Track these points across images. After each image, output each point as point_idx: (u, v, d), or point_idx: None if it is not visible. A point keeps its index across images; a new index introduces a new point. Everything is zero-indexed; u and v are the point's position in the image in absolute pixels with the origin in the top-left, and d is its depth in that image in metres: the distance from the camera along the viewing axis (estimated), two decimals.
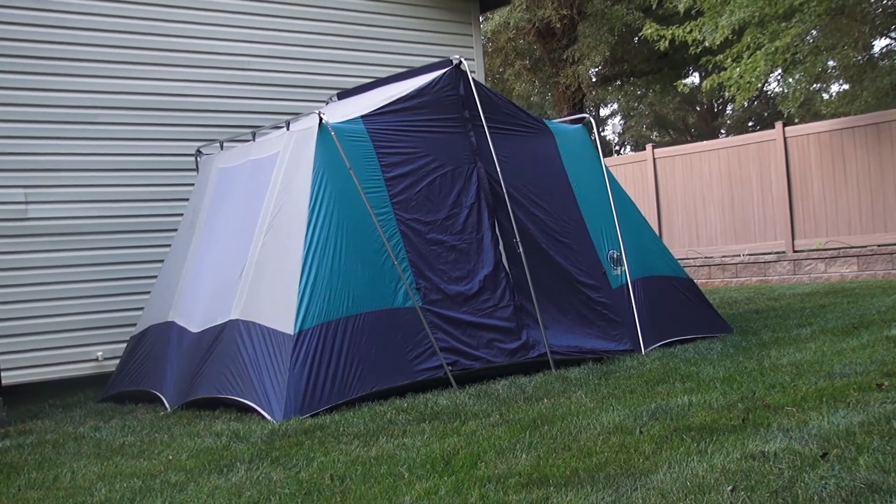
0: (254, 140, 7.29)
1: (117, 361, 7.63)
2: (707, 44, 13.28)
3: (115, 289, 8.04)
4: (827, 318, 8.04)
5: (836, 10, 12.61)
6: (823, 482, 3.15)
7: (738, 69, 13.10)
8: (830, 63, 15.90)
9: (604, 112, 36.44)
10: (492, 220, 6.72)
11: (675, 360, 6.38)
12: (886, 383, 4.69)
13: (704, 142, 15.90)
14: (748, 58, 13.05)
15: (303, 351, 5.63)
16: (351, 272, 6.00)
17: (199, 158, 8.02)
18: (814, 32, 14.04)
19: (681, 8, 13.98)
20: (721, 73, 13.57)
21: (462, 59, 6.85)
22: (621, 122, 37.09)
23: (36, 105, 7.78)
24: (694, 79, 27.52)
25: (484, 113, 6.78)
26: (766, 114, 31.31)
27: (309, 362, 5.61)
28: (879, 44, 19.01)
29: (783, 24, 12.70)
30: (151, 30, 8.36)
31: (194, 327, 6.70)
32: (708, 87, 14.33)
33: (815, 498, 3.05)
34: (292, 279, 5.88)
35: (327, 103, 8.45)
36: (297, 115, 7.44)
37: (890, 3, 14.18)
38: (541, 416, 4.86)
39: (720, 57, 13.71)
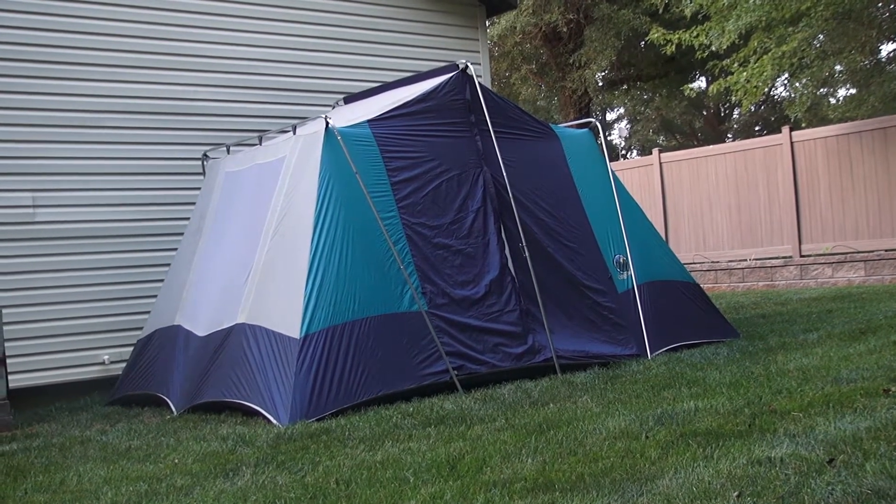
0: (260, 144, 7.31)
1: (124, 365, 7.65)
2: (714, 48, 13.26)
3: (121, 292, 8.06)
4: (834, 323, 8.02)
5: (843, 14, 12.59)
6: (830, 488, 3.14)
7: (744, 74, 13.08)
8: (837, 67, 15.86)
9: (610, 116, 36.42)
10: (498, 225, 6.72)
11: (682, 364, 6.37)
12: (894, 389, 4.68)
13: (711, 146, 15.88)
14: (755, 62, 13.03)
15: (309, 355, 5.64)
16: (357, 276, 6.01)
17: (205, 162, 8.04)
18: (821, 37, 14.01)
19: (687, 12, 13.97)
20: (728, 78, 13.55)
21: (468, 64, 6.86)
22: (628, 126, 37.06)
23: (43, 109, 7.81)
24: (701, 83, 27.50)
25: (490, 117, 6.78)
26: (772, 118, 31.24)
27: (315, 366, 5.62)
28: (887, 48, 18.99)
29: (790, 29, 12.69)
30: (158, 34, 8.38)
31: (200, 331, 6.71)
32: (715, 91, 14.32)
33: None
34: (298, 283, 5.89)
35: (334, 107, 8.46)
36: (303, 119, 7.45)
37: None
38: (546, 420, 4.85)
39: (727, 61, 13.70)
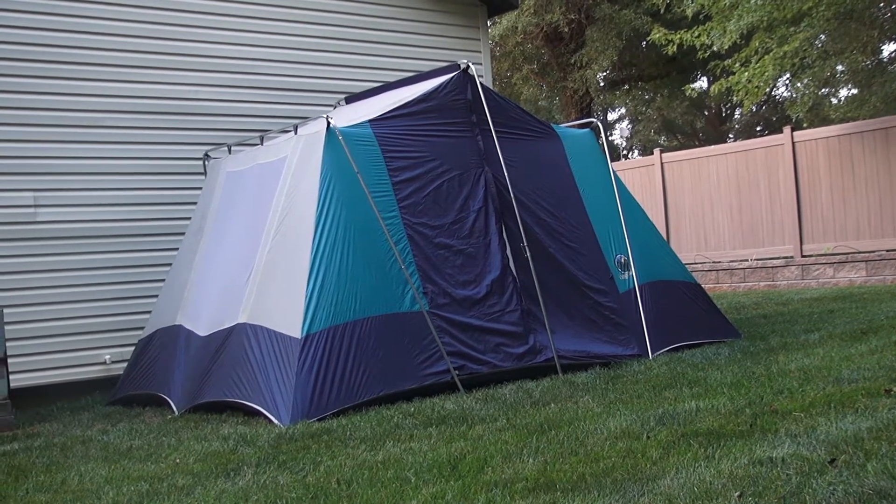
0: (262, 144, 7.31)
1: (125, 365, 7.65)
2: (715, 48, 13.26)
3: (123, 292, 8.06)
4: (835, 323, 8.02)
5: (845, 14, 12.59)
6: (831, 488, 3.14)
7: (746, 74, 13.08)
8: (839, 67, 15.86)
9: (612, 116, 36.41)
10: (499, 225, 6.72)
11: (683, 364, 6.37)
12: (895, 389, 4.67)
13: (713, 146, 15.88)
14: (756, 62, 13.03)
15: (310, 355, 5.64)
16: (358, 276, 6.01)
17: (207, 162, 8.05)
18: (822, 37, 14.01)
19: (689, 12, 13.97)
20: (729, 78, 13.55)
21: (470, 64, 6.86)
22: (629, 126, 37.05)
23: (44, 109, 7.81)
24: (702, 83, 27.48)
25: (491, 117, 6.78)
26: (774, 118, 31.23)
27: (316, 366, 5.62)
28: (888, 48, 18.98)
29: (791, 29, 12.68)
30: (159, 34, 8.39)
31: (202, 331, 6.71)
32: (716, 91, 14.32)
33: None
34: (300, 283, 5.89)
35: (335, 107, 8.46)
36: (305, 119, 7.45)
37: None
38: (548, 420, 4.85)
39: (728, 61, 13.70)
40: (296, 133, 6.74)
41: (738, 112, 33.17)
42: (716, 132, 32.28)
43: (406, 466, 4.12)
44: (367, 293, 6.00)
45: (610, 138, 35.27)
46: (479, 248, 6.61)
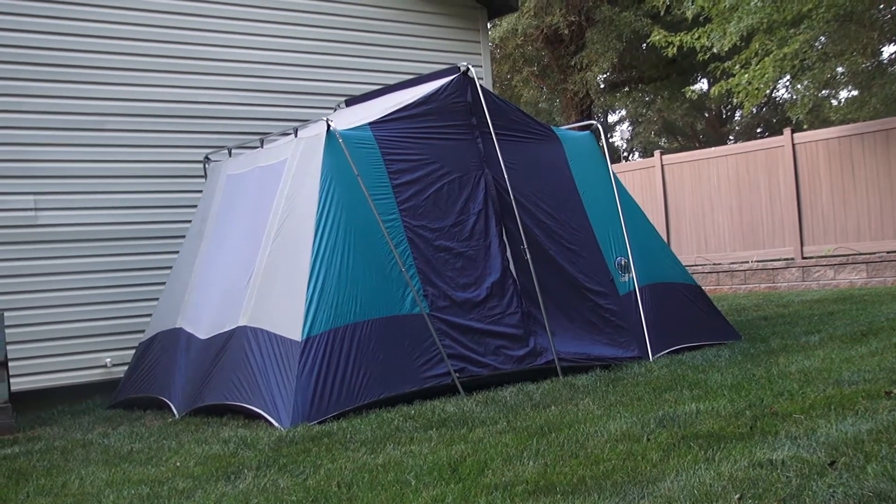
0: (262, 147, 7.32)
1: (126, 368, 7.65)
2: (715, 50, 13.27)
3: (123, 295, 8.06)
4: (836, 325, 8.01)
5: (845, 16, 12.60)
6: (831, 490, 3.14)
7: (746, 75, 13.08)
8: (839, 69, 15.87)
9: (612, 118, 36.42)
10: (499, 227, 6.72)
11: (683, 367, 6.37)
12: (895, 391, 4.67)
13: (713, 148, 15.89)
14: (756, 64, 13.03)
15: (310, 357, 5.64)
16: (358, 279, 6.01)
17: (207, 165, 8.05)
18: (822, 39, 14.01)
19: (689, 14, 13.97)
20: (729, 80, 13.56)
21: (470, 66, 6.87)
22: (629, 128, 37.03)
23: (45, 112, 7.82)
24: (702, 85, 27.48)
25: (491, 120, 6.79)
26: (774, 120, 31.23)
27: (316, 369, 5.62)
28: (888, 50, 18.98)
29: (791, 31, 12.69)
30: (159, 37, 8.39)
31: (202, 334, 6.71)
32: (716, 93, 14.32)
33: None
34: (300, 286, 5.89)
35: (335, 110, 8.47)
36: (305, 121, 7.46)
37: None
38: (548, 423, 4.85)
39: (728, 63, 13.70)
40: (296, 136, 6.75)
41: (738, 114, 33.19)
42: (716, 134, 32.29)
43: (406, 469, 4.12)
44: (368, 296, 6.00)
45: (610, 140, 35.28)
46: (480, 251, 6.61)
